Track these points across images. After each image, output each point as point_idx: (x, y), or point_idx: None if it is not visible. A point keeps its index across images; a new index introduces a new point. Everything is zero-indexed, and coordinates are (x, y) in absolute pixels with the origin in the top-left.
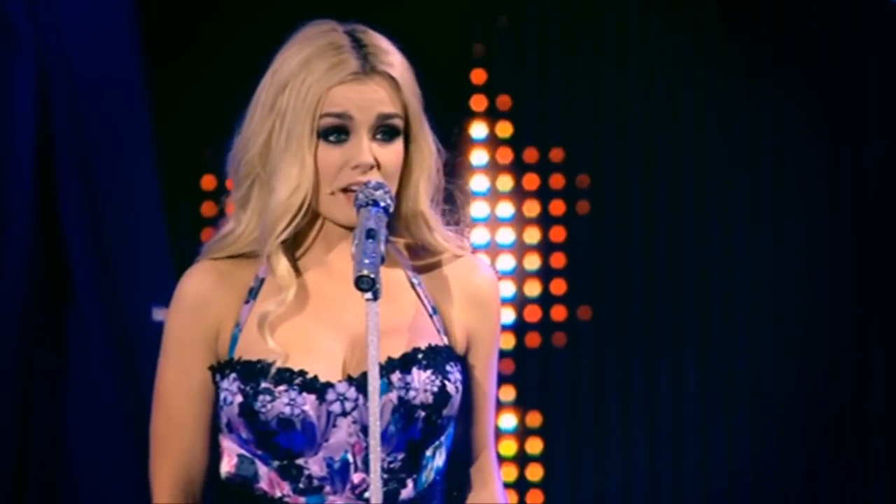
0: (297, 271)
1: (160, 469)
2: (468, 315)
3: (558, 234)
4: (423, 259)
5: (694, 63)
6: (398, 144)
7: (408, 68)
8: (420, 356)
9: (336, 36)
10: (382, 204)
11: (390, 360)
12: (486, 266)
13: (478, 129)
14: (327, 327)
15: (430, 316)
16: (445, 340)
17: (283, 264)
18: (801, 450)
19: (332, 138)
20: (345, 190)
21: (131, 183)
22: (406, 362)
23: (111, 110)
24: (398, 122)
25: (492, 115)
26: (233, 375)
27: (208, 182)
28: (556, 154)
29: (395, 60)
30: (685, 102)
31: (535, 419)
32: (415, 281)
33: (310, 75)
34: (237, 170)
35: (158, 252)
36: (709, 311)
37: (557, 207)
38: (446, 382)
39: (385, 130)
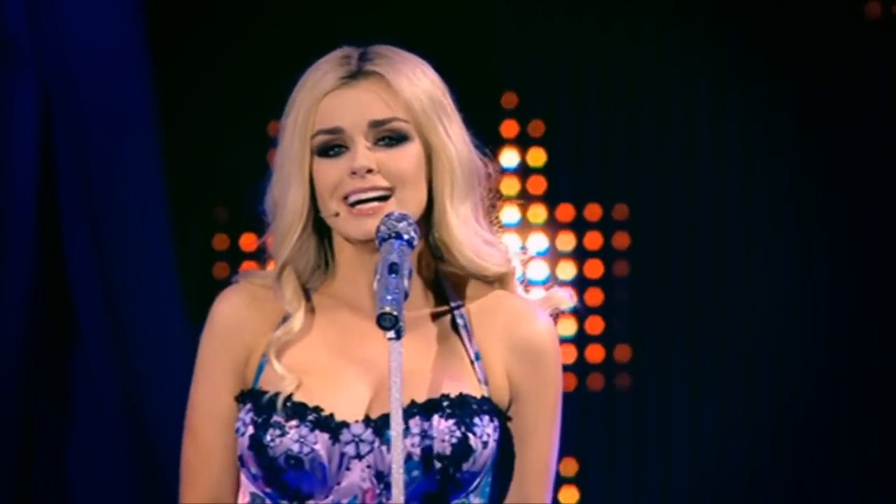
0: (331, 306)
1: (188, 500)
2: (515, 366)
3: (595, 268)
4: (474, 299)
5: (742, 89)
6: (406, 149)
7: (419, 74)
8: (446, 404)
9: (345, 51)
10: (406, 236)
11: (413, 403)
12: (543, 315)
13: (508, 157)
14: (355, 364)
15: (472, 362)
16: (485, 391)
17: (290, 288)
18: (853, 487)
19: (330, 153)
20: (351, 204)
21: (138, 211)
22: (428, 408)
23: (116, 131)
24: (399, 126)
25: (523, 142)
26: (248, 405)
27: (221, 213)
28: (593, 183)
29: (395, 64)
30: (730, 127)
31: (570, 467)
32: (460, 322)
33: (302, 92)
34: (267, 207)
35: (167, 287)
36: (755, 353)
37: (594, 240)
38: (470, 435)
39: (386, 136)
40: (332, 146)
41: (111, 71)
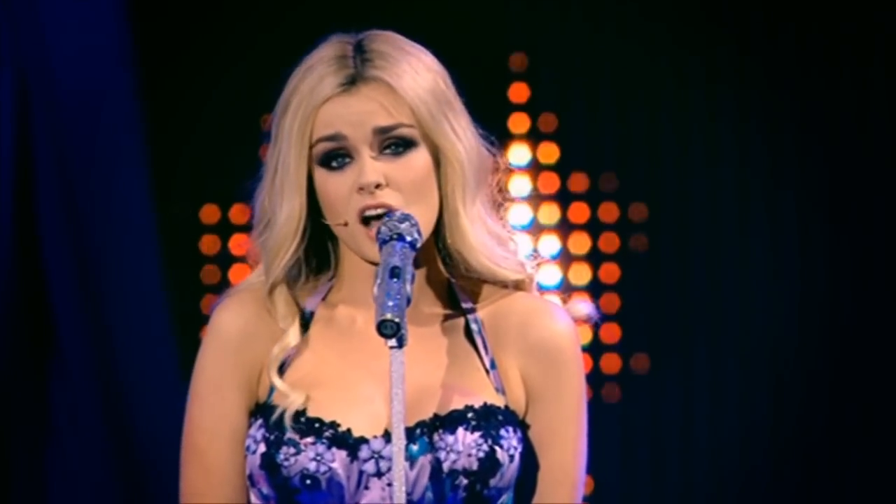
0: (340, 315)
1: None
2: (530, 368)
3: (610, 273)
4: (486, 301)
5: (769, 81)
6: (414, 156)
7: (421, 69)
8: (470, 415)
9: (339, 47)
10: (409, 238)
11: (436, 416)
12: (561, 313)
13: (518, 154)
14: (371, 376)
15: (487, 371)
16: (504, 400)
17: (282, 303)
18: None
19: (333, 164)
20: (362, 221)
21: (121, 212)
22: (452, 421)
23: (98, 128)
24: (406, 133)
25: (534, 137)
26: (259, 421)
27: (209, 213)
28: (608, 181)
29: (395, 63)
30: (755, 122)
31: (585, 485)
32: (474, 328)
33: (297, 96)
34: (255, 215)
35: (152, 292)
36: (781, 361)
37: (610, 243)
38: (497, 448)
39: (391, 144)
40: (335, 155)
41: (92, 66)
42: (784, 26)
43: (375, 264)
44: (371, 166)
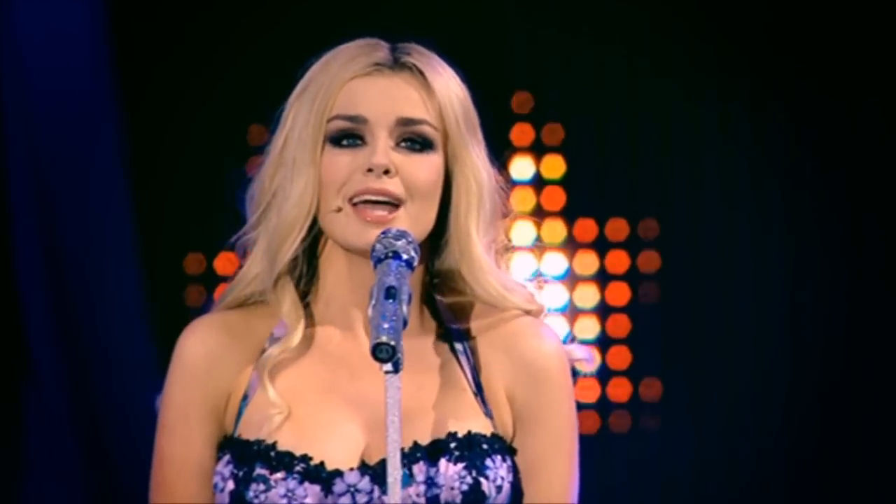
0: (318, 334)
1: None
2: (516, 390)
3: (619, 294)
4: (473, 321)
5: (785, 89)
6: (430, 159)
7: (454, 82)
8: (453, 445)
9: (373, 39)
10: (405, 256)
11: (416, 446)
12: (549, 331)
13: (521, 167)
14: (346, 402)
15: (474, 394)
16: (490, 426)
17: (288, 298)
18: None
19: (343, 142)
20: (354, 203)
21: (99, 228)
22: (434, 451)
23: (74, 135)
24: (428, 131)
25: (538, 150)
26: (227, 457)
27: (193, 230)
28: (617, 196)
29: (432, 66)
30: (771, 131)
31: None
32: (459, 348)
33: (322, 74)
34: (251, 202)
35: (132, 314)
36: (798, 388)
37: (618, 262)
38: (482, 479)
39: (411, 139)
40: (348, 135)
41: (68, 66)
42: (798, 41)
43: (359, 253)
44: (384, 150)
